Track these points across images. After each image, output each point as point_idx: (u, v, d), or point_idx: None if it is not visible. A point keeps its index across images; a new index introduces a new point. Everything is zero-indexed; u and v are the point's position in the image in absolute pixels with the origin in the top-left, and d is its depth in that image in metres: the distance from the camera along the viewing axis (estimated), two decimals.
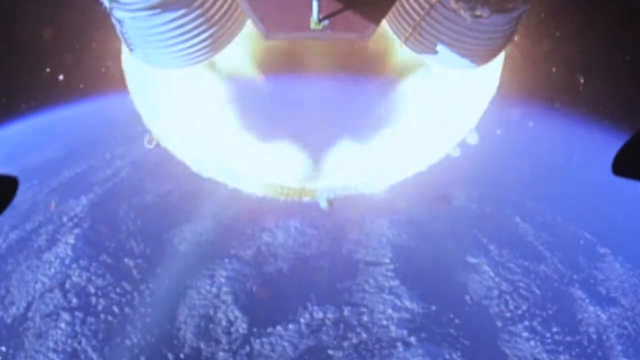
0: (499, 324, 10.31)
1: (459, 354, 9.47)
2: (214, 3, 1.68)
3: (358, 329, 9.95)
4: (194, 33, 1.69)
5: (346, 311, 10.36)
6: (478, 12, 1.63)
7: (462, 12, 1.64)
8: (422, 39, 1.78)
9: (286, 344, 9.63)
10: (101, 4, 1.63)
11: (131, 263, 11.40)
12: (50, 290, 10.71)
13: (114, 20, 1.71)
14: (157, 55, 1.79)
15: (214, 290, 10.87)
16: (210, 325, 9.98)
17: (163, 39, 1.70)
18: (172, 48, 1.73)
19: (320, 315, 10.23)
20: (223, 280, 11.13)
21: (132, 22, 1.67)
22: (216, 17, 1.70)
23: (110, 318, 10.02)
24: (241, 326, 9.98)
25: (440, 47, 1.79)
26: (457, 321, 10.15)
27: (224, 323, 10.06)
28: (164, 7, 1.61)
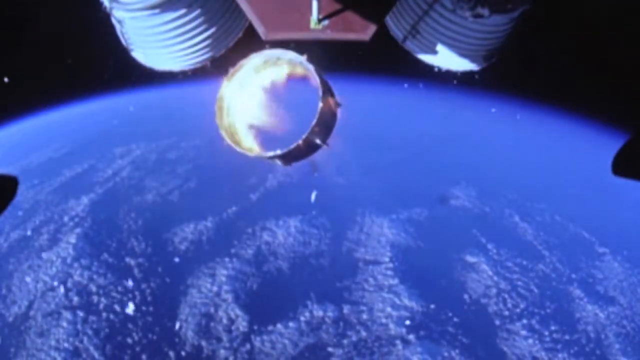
0: (498, 322, 10.32)
1: (457, 351, 9.49)
2: (214, 3, 1.68)
3: (357, 327, 9.98)
4: (194, 33, 1.69)
5: (346, 309, 10.38)
6: (478, 12, 1.63)
7: (462, 12, 1.64)
8: (422, 39, 1.79)
9: (286, 341, 9.65)
10: (101, 4, 1.63)
11: (132, 262, 11.40)
12: (52, 289, 10.72)
13: (114, 20, 1.71)
14: (157, 55, 1.79)
15: (215, 288, 10.88)
16: (211, 324, 10.00)
17: (163, 39, 1.70)
18: (172, 48, 1.74)
19: (320, 313, 10.25)
20: (224, 279, 11.14)
21: (132, 22, 1.67)
22: (216, 17, 1.70)
23: (111, 316, 10.02)
24: (242, 324, 10.01)
25: (439, 48, 1.79)
26: (455, 319, 10.17)
27: (224, 321, 10.08)
28: (164, 7, 1.60)
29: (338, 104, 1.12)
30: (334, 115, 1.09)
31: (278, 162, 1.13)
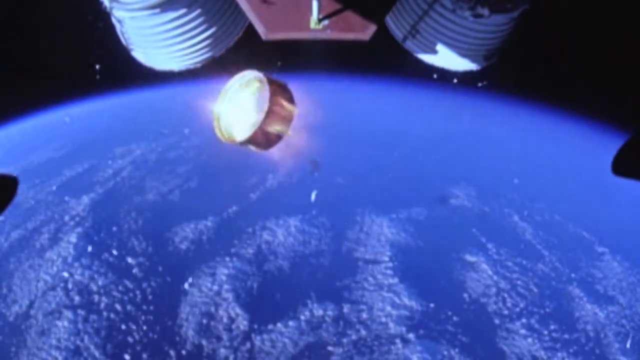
0: (497, 321, 10.34)
1: (457, 350, 9.50)
2: (214, 3, 1.68)
3: (357, 326, 10.00)
4: (194, 33, 1.70)
5: (346, 308, 10.41)
6: (478, 12, 1.65)
7: (462, 12, 1.65)
8: (422, 39, 1.79)
9: (286, 340, 9.68)
10: (101, 4, 1.64)
11: (133, 261, 11.43)
12: (53, 288, 10.74)
13: (114, 20, 1.72)
14: (157, 55, 1.80)
15: (215, 288, 10.90)
16: (212, 323, 10.03)
17: (163, 38, 1.71)
18: (172, 48, 1.75)
19: (320, 312, 10.28)
20: (224, 278, 11.16)
21: (132, 22, 1.68)
22: (216, 17, 1.71)
23: (112, 316, 10.05)
24: (242, 323, 10.03)
25: (439, 47, 1.80)
26: (455, 318, 10.19)
27: (225, 320, 10.10)
28: (163, 7, 1.62)
29: (294, 105, 1.48)
30: (289, 113, 1.45)
31: (252, 148, 1.49)
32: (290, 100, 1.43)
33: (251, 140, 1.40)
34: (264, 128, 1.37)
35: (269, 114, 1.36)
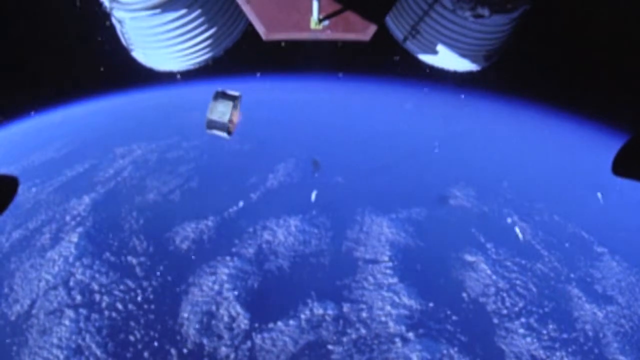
0: (496, 320, 10.36)
1: (456, 349, 9.52)
2: (214, 4, 1.69)
3: (357, 325, 10.04)
4: (194, 33, 1.71)
5: (345, 307, 10.45)
6: (478, 12, 1.65)
7: (462, 12, 1.65)
8: (422, 39, 1.79)
9: (287, 339, 9.72)
10: (101, 4, 1.65)
11: (134, 261, 11.45)
12: (54, 287, 10.77)
13: (114, 20, 1.73)
14: (157, 55, 1.81)
15: (216, 287, 10.93)
16: (213, 321, 10.06)
17: (163, 39, 1.72)
18: (172, 48, 1.75)
19: (320, 311, 10.32)
20: (225, 277, 11.19)
21: (132, 22, 1.69)
22: (216, 18, 1.71)
23: (114, 315, 10.09)
24: (243, 322, 10.08)
25: (440, 48, 1.80)
26: (454, 318, 10.22)
27: (226, 319, 10.14)
28: (164, 8, 1.62)
29: (232, 102, 1.97)
30: (226, 108, 1.98)
31: (215, 132, 2.01)
32: (230, 99, 1.96)
33: (209, 126, 1.97)
34: (211, 117, 1.95)
35: (212, 109, 1.94)
